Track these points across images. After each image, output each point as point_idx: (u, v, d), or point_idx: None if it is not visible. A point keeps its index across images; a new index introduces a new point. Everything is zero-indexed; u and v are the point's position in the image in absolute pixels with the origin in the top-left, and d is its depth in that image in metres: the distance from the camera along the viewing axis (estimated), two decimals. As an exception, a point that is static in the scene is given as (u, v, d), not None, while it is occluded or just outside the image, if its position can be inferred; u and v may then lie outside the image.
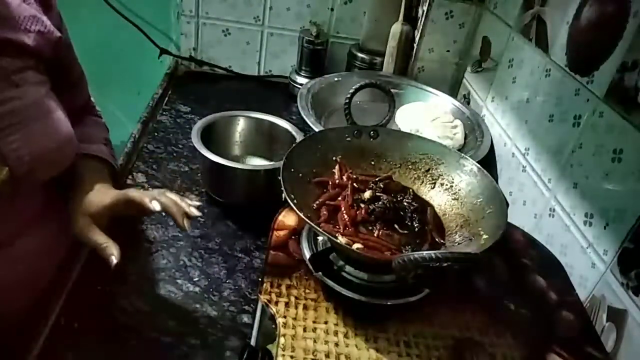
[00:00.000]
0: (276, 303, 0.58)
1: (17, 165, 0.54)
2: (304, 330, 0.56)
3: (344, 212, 0.63)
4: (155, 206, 0.58)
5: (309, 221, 0.56)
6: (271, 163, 0.88)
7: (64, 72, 0.67)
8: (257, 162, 0.92)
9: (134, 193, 0.60)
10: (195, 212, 0.60)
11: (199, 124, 0.85)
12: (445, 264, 0.48)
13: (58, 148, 0.59)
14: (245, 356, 0.52)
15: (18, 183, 0.55)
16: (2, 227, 0.59)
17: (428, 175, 0.72)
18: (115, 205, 0.60)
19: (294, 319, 0.57)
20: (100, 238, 0.58)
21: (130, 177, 0.88)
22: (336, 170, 0.70)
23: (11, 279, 0.60)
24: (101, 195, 0.62)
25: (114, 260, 0.57)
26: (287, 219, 0.70)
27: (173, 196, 0.60)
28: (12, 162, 0.53)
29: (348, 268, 0.61)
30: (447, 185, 0.70)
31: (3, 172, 0.53)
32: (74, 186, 0.64)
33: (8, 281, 0.60)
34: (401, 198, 0.68)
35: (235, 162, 0.80)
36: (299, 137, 0.85)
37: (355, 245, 0.58)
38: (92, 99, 0.79)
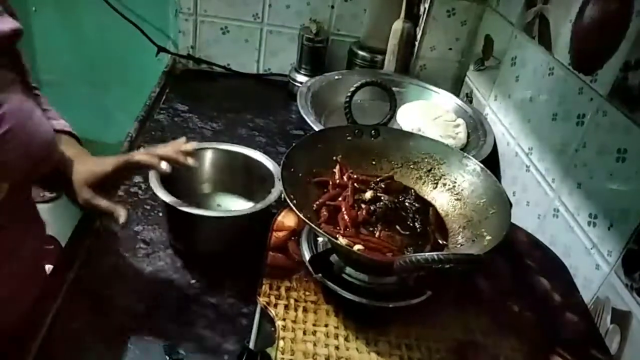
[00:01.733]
0: (275, 305, 0.58)
1: (17, 174, 0.53)
2: (304, 333, 0.55)
3: (345, 212, 0.63)
4: (166, 168, 0.62)
5: (309, 222, 0.56)
6: (238, 210, 0.74)
7: (18, 59, 0.66)
8: (231, 201, 0.80)
9: (140, 157, 0.62)
10: (193, 145, 0.65)
11: None
12: (448, 266, 0.48)
13: (48, 147, 0.58)
14: (243, 359, 0.52)
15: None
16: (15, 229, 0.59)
17: (430, 175, 0.71)
18: (119, 170, 0.62)
19: (294, 321, 0.56)
20: (106, 204, 0.61)
21: (127, 176, 0.87)
22: (336, 170, 0.69)
23: (7, 290, 0.59)
24: (100, 164, 0.63)
25: (122, 220, 0.60)
26: (287, 219, 0.69)
27: (169, 146, 0.65)
28: (11, 174, 0.52)
29: (349, 270, 0.61)
30: (449, 185, 0.69)
31: (4, 188, 0.53)
32: (60, 163, 0.63)
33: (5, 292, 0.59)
34: (403, 198, 0.67)
35: (203, 204, 0.73)
36: (276, 172, 0.74)
37: (356, 247, 0.57)
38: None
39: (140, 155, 0.62)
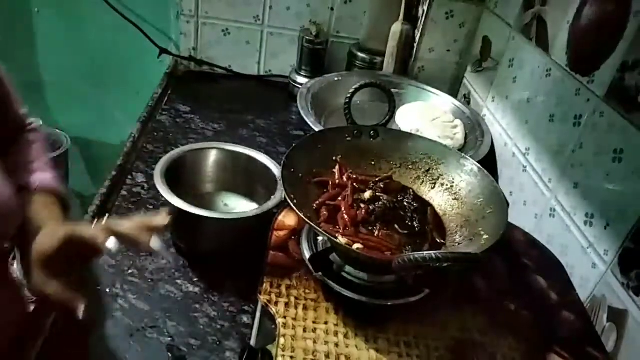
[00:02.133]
0: (276, 303, 0.58)
1: None
2: (304, 330, 0.56)
3: (344, 212, 0.63)
4: (111, 246, 0.49)
5: (309, 221, 0.56)
6: (242, 212, 0.74)
7: None
8: (233, 201, 0.81)
9: (85, 230, 0.50)
10: (166, 221, 0.52)
11: (163, 161, 0.73)
12: (446, 264, 0.48)
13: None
14: (245, 356, 0.52)
15: None
16: None
17: (428, 175, 0.71)
18: (65, 246, 0.50)
19: (294, 319, 0.57)
20: (57, 293, 0.49)
21: (130, 177, 0.88)
22: (336, 170, 0.70)
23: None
24: (49, 238, 0.51)
25: (80, 315, 0.48)
26: (287, 219, 0.69)
27: (139, 220, 0.52)
28: None
29: (348, 268, 0.61)
30: (447, 185, 0.69)
31: None
32: (21, 233, 0.55)
33: None
34: (401, 198, 0.68)
35: (207, 203, 0.73)
36: (277, 172, 0.75)
37: (356, 246, 0.58)
38: (22, 110, 0.67)
39: (87, 231, 0.50)
